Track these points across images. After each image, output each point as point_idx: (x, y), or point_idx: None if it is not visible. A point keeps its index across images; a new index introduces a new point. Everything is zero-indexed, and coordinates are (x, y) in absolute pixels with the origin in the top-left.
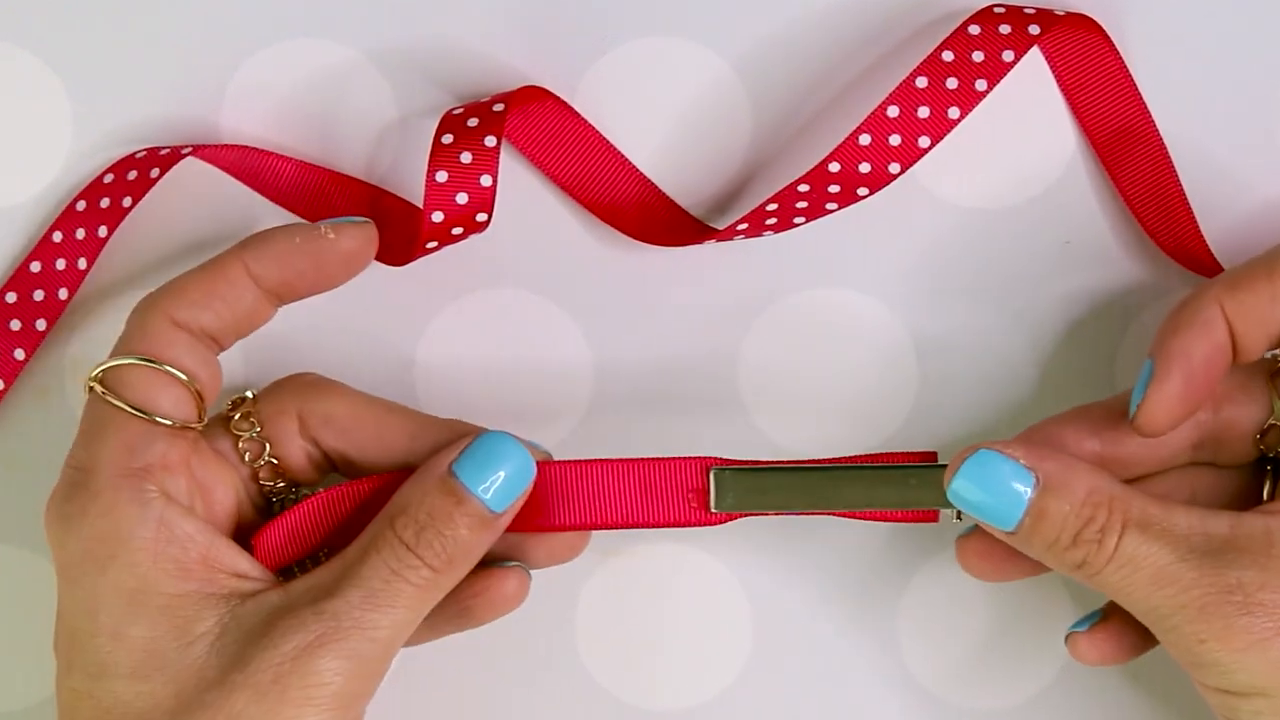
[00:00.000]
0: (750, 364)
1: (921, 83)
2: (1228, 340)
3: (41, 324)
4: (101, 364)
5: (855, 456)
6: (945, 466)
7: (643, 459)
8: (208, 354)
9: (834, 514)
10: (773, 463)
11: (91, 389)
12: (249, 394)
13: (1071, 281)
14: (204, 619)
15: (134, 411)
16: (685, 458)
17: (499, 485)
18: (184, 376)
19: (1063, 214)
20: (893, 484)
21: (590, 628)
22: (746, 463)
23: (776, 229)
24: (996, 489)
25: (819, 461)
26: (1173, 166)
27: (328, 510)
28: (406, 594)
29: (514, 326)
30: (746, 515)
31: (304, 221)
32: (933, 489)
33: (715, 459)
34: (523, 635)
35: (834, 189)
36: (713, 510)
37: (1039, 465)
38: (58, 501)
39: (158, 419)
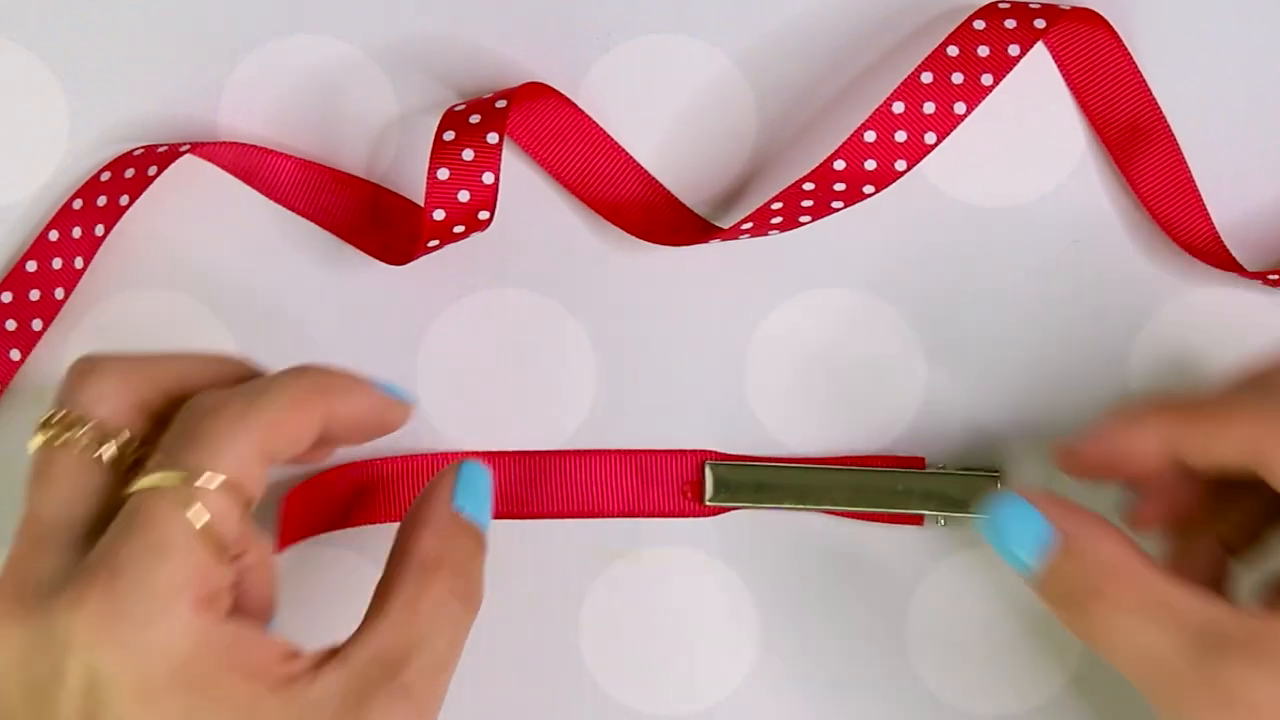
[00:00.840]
0: (756, 364)
1: (927, 78)
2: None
3: (38, 324)
4: (186, 477)
5: (847, 458)
6: (933, 473)
7: (640, 450)
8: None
9: (823, 511)
10: (766, 459)
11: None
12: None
13: (1082, 280)
14: (286, 716)
15: (214, 545)
16: (682, 450)
17: (483, 506)
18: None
19: (1073, 212)
20: (881, 487)
21: (595, 632)
22: (741, 458)
23: (782, 228)
24: (1018, 538)
25: (811, 460)
26: (1184, 161)
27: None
28: (461, 644)
29: (517, 327)
30: (738, 508)
31: (375, 382)
32: (917, 494)
33: (711, 452)
34: (526, 640)
35: (839, 187)
36: (706, 503)
37: (1063, 525)
38: (127, 624)
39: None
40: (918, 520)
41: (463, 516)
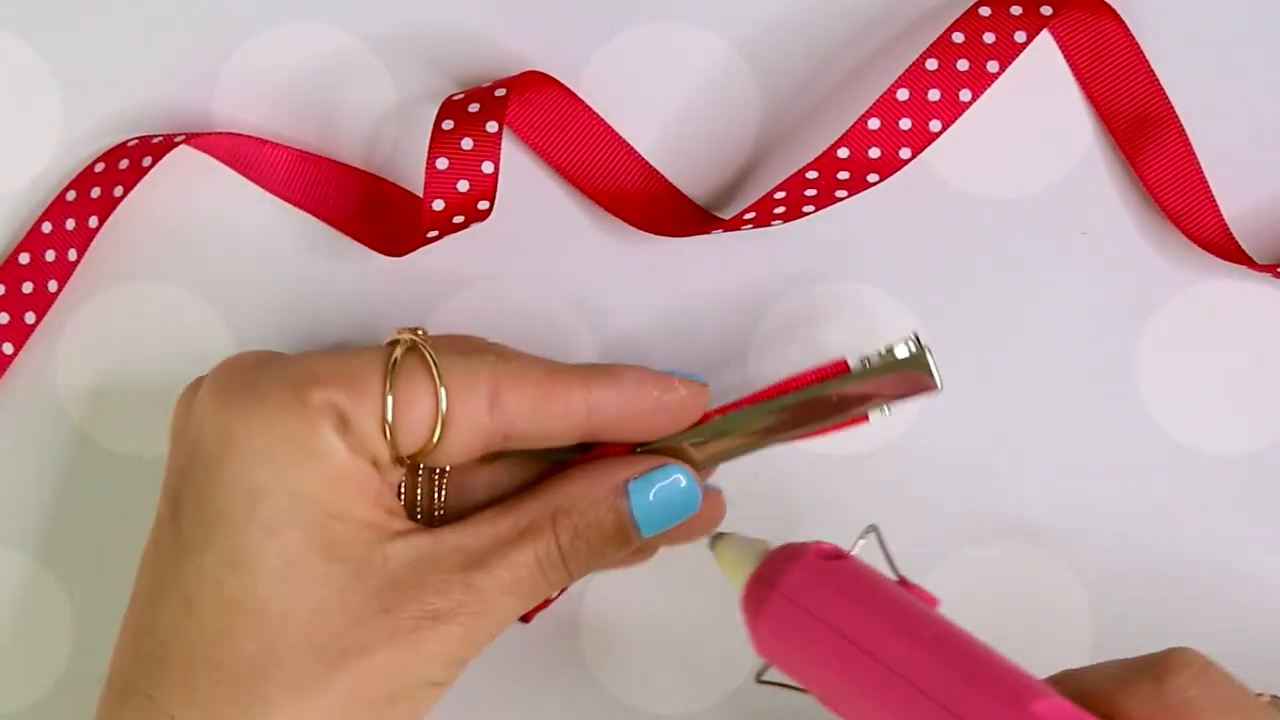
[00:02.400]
0: (759, 359)
1: (932, 65)
2: None
3: (30, 317)
4: (426, 336)
5: (769, 388)
6: (863, 371)
7: (587, 454)
8: (481, 442)
9: (772, 443)
10: (695, 423)
11: (417, 345)
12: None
13: (1089, 273)
14: (355, 545)
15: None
16: (609, 447)
17: (658, 514)
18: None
19: (1080, 203)
20: (813, 405)
21: (595, 630)
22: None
23: (785, 218)
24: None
25: (739, 403)
26: (1193, 152)
27: None
28: (540, 589)
29: (516, 319)
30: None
31: (646, 368)
32: (855, 397)
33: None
34: (526, 640)
35: (843, 175)
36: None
37: None
38: (279, 371)
39: (398, 434)
40: (863, 419)
41: (623, 501)
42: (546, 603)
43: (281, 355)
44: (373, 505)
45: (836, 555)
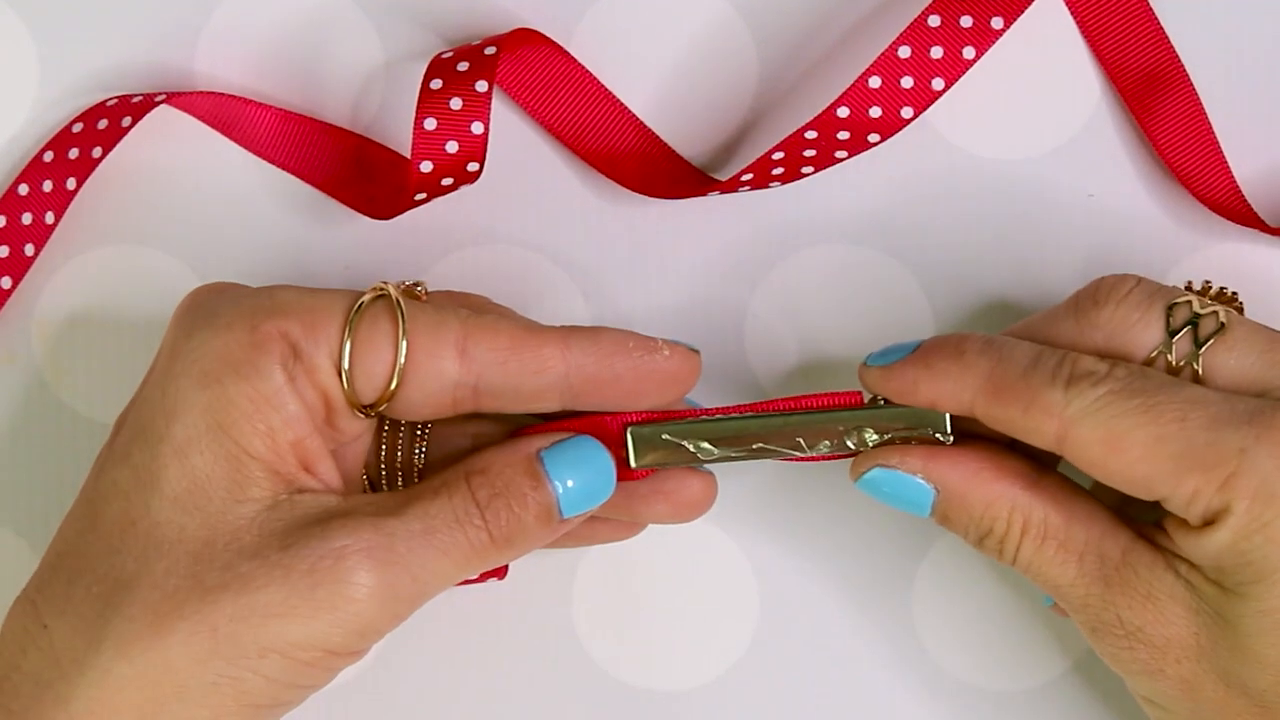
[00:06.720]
0: (756, 324)
1: (934, 21)
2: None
3: (6, 282)
4: (400, 286)
5: (775, 401)
6: (873, 408)
7: (567, 421)
8: (449, 395)
9: (759, 458)
10: (694, 412)
11: (388, 294)
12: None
13: (1097, 236)
14: (261, 486)
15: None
16: (605, 415)
17: (576, 491)
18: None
19: (1088, 165)
20: (817, 429)
21: (589, 605)
22: (664, 415)
23: (783, 179)
24: (899, 497)
25: (743, 408)
26: (1204, 111)
27: None
28: (460, 548)
29: (507, 283)
30: (671, 465)
31: (626, 330)
32: (859, 431)
33: (637, 415)
34: (518, 613)
35: (843, 135)
36: (632, 466)
37: (939, 479)
38: (239, 297)
39: (355, 378)
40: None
41: (539, 466)
42: None
43: (250, 286)
44: (289, 451)
45: None
